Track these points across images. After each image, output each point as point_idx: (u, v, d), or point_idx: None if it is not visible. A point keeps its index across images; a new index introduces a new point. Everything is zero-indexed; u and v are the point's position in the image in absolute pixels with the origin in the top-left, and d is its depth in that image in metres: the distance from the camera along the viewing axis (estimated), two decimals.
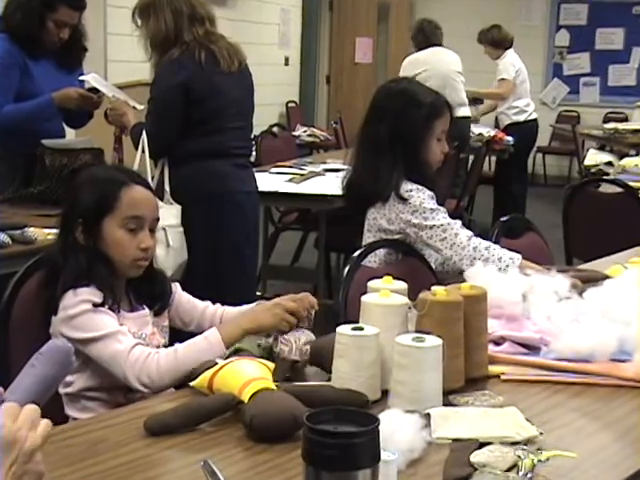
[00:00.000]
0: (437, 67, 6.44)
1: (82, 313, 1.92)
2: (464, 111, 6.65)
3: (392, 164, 2.66)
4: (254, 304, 2.09)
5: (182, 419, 1.60)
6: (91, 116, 3.77)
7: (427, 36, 6.62)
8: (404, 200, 2.64)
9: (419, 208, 2.62)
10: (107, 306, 1.95)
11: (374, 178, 2.69)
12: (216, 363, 1.76)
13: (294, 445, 1.52)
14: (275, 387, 1.65)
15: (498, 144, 7.20)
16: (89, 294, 1.94)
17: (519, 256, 2.53)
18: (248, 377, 1.66)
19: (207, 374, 1.73)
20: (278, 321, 1.92)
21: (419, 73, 6.20)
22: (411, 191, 2.64)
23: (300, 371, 1.89)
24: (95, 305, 1.93)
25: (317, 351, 1.88)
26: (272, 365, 1.78)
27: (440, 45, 6.68)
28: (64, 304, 1.94)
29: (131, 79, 5.50)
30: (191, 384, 1.77)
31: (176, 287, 2.16)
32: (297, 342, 1.89)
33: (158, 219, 2.09)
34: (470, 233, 2.58)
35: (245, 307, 2.12)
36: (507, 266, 2.48)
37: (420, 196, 2.63)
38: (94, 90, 3.56)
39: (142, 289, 2.08)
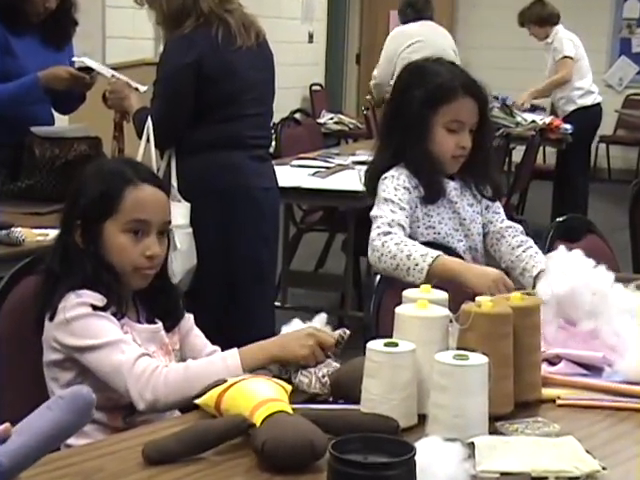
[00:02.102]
0: (432, 39, 6.45)
1: (81, 317, 1.94)
2: None
3: (387, 147, 2.71)
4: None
5: (185, 446, 1.60)
6: (83, 99, 3.76)
7: (417, 10, 6.62)
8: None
9: (378, 197, 2.64)
10: (110, 311, 1.97)
11: (371, 164, 2.78)
12: (226, 381, 1.77)
13: (314, 477, 1.52)
14: (291, 410, 1.66)
15: (554, 133, 7.16)
16: (91, 297, 1.96)
17: (434, 254, 2.44)
18: (261, 398, 1.67)
19: (215, 392, 1.74)
20: (308, 353, 1.92)
21: (411, 44, 6.32)
22: (385, 179, 2.65)
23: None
24: (95, 308, 1.95)
25: (337, 381, 1.88)
26: (289, 387, 1.79)
27: (431, 20, 6.69)
28: (63, 306, 1.96)
29: (133, 58, 5.53)
30: (196, 402, 1.78)
31: (189, 316, 2.17)
32: (317, 373, 1.90)
33: (169, 222, 2.10)
34: (398, 236, 2.51)
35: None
36: (418, 271, 2.42)
37: (387, 184, 2.63)
38: (86, 70, 3.56)
39: (154, 302, 2.09)
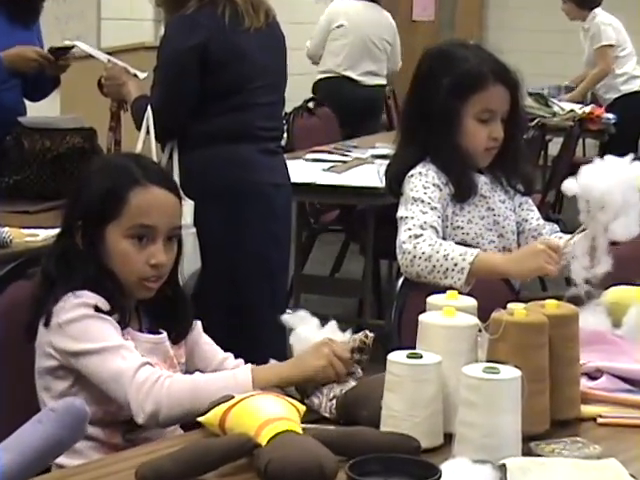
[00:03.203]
0: (357, 26, 6.96)
1: (80, 318, 1.95)
2: (381, 80, 7.30)
3: (410, 141, 2.71)
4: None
5: (183, 466, 1.60)
6: (56, 84, 3.75)
7: None
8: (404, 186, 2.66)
9: (405, 196, 2.63)
10: (113, 318, 1.97)
11: (394, 161, 2.77)
12: (233, 397, 1.78)
13: None
14: (301, 430, 1.66)
15: (595, 123, 7.13)
16: (92, 298, 1.97)
17: (473, 252, 2.46)
18: (268, 416, 1.67)
19: (220, 409, 1.75)
20: (325, 363, 1.92)
21: (337, 27, 6.94)
22: (412, 176, 2.65)
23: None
24: (98, 310, 1.95)
25: (343, 402, 1.88)
26: (302, 408, 1.79)
27: (374, 1, 7.14)
28: (61, 306, 1.97)
29: (131, 41, 5.54)
30: (199, 419, 1.78)
31: (197, 324, 2.18)
32: (328, 395, 1.91)
33: (179, 227, 2.10)
34: (431, 237, 2.50)
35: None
36: (457, 272, 2.43)
37: (415, 182, 2.62)
38: (61, 50, 3.54)
39: (161, 311, 2.10)
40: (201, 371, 2.13)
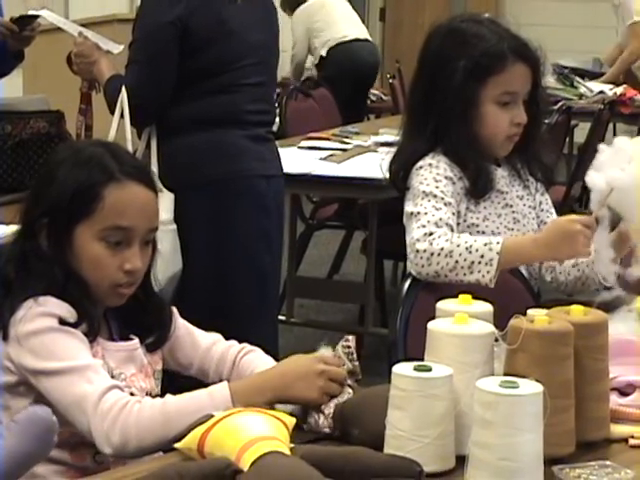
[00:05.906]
0: (332, 20, 7.73)
1: (43, 331, 1.94)
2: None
3: (420, 130, 2.70)
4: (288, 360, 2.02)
5: None
6: (19, 59, 3.73)
7: None
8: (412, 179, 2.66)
9: (414, 190, 2.63)
10: (80, 329, 1.97)
11: (400, 151, 2.76)
12: (213, 416, 1.77)
13: None
14: (289, 450, 1.66)
15: (627, 106, 7.13)
16: (58, 307, 1.96)
17: (498, 240, 2.48)
18: (251, 436, 1.67)
19: (198, 431, 1.74)
20: (320, 396, 1.92)
21: (314, 26, 7.52)
22: (421, 168, 2.65)
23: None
24: (63, 323, 1.95)
25: (341, 414, 1.88)
26: (291, 421, 1.79)
27: None
28: (22, 315, 1.95)
29: (103, 13, 5.55)
30: (176, 445, 1.78)
31: (174, 314, 2.17)
32: (323, 408, 1.91)
33: (156, 228, 2.09)
34: (446, 234, 2.49)
35: (274, 365, 2.06)
36: (485, 264, 2.44)
37: (425, 174, 2.62)
38: (25, 19, 3.52)
39: (131, 317, 2.10)
40: (184, 367, 2.14)
